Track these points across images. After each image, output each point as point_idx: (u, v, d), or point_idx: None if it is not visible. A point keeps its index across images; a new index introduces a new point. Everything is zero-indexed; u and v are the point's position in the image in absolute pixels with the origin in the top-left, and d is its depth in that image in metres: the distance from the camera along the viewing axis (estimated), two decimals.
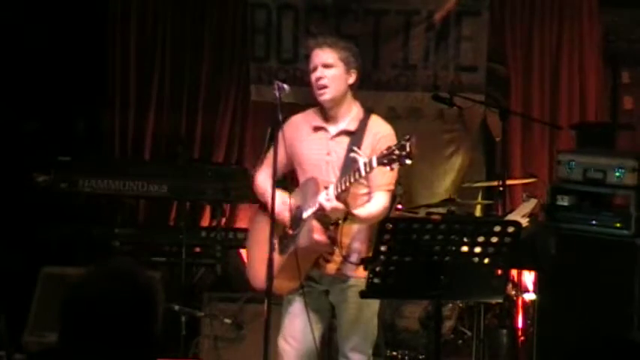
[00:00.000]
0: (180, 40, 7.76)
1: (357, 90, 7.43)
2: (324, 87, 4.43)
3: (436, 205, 6.72)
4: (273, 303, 4.34)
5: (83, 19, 7.41)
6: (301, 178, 4.55)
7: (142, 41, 7.75)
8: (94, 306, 2.44)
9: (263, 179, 4.60)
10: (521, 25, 7.54)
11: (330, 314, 4.61)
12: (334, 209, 4.23)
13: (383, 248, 3.89)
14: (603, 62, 7.48)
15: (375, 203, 4.41)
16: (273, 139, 4.46)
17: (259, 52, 7.68)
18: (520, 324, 5.96)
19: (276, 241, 4.41)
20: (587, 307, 5.33)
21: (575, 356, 2.86)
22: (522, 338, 5.99)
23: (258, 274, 4.50)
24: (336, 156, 4.44)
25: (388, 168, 4.08)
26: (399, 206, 6.32)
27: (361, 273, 4.30)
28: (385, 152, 4.09)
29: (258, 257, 4.52)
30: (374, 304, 4.55)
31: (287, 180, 4.82)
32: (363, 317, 4.51)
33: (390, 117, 7.55)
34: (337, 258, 4.40)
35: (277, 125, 4.31)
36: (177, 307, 5.94)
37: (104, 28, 7.73)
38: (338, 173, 4.39)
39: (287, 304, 4.56)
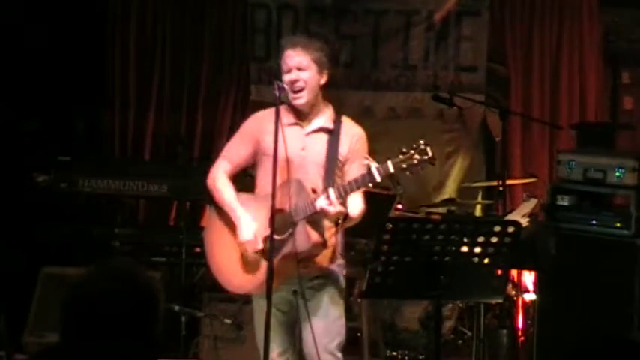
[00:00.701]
0: (180, 40, 7.76)
1: (357, 90, 7.56)
2: (300, 90, 4.40)
3: (436, 205, 6.73)
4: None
5: (83, 19, 7.41)
6: (264, 173, 4.44)
7: (141, 41, 7.76)
8: (95, 306, 2.44)
9: (224, 184, 4.51)
10: (521, 25, 7.54)
11: (296, 314, 4.50)
12: (338, 213, 4.22)
13: (383, 248, 3.89)
14: (603, 62, 7.48)
15: (357, 203, 4.38)
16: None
17: (259, 52, 7.68)
18: (520, 324, 5.95)
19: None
20: (587, 307, 5.32)
21: (575, 356, 2.86)
22: (522, 338, 5.99)
23: (234, 279, 4.44)
24: (313, 152, 4.40)
25: (408, 172, 4.08)
26: (399, 206, 6.32)
27: (328, 268, 4.34)
28: (402, 157, 4.08)
29: (230, 261, 4.45)
30: (341, 301, 4.49)
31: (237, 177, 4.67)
32: (332, 315, 4.45)
33: (390, 117, 7.62)
34: (317, 258, 4.39)
35: (277, 125, 4.29)
36: (177, 307, 5.94)
37: (104, 28, 7.74)
38: (319, 171, 4.37)
39: (258, 305, 4.47)
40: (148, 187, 6.77)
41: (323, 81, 4.47)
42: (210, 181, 4.58)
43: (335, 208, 4.18)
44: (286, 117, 4.43)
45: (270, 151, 4.30)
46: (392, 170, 4.10)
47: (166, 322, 6.06)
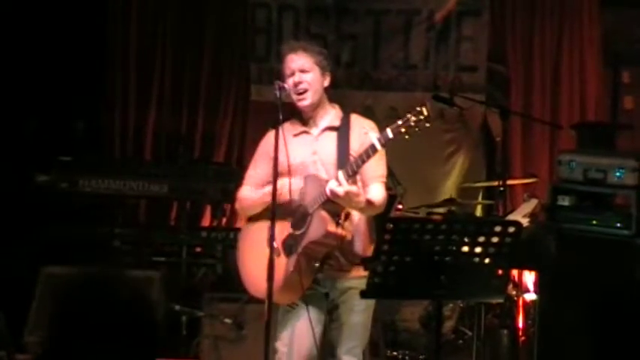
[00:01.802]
0: (180, 39, 7.76)
1: (358, 89, 7.57)
2: (305, 91, 4.40)
3: (437, 205, 6.72)
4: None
5: (83, 18, 7.41)
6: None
7: (142, 41, 7.76)
8: (87, 313, 2.40)
9: (248, 192, 4.52)
10: (522, 25, 7.54)
11: (326, 317, 4.48)
12: (348, 193, 4.16)
13: (384, 248, 3.88)
14: (603, 62, 7.48)
15: (376, 193, 4.35)
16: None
17: (260, 51, 7.69)
18: (521, 324, 5.95)
19: (279, 246, 4.33)
20: (587, 307, 5.32)
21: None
22: (523, 338, 5.99)
23: (258, 283, 4.40)
24: (324, 153, 4.40)
25: (407, 136, 4.07)
26: (400, 206, 6.31)
27: (362, 272, 4.28)
28: (400, 122, 4.10)
29: (257, 266, 4.41)
30: (371, 308, 4.49)
31: None
32: (360, 321, 4.45)
33: (391, 117, 7.61)
34: (340, 259, 4.37)
35: (277, 125, 4.29)
36: (177, 307, 5.95)
37: (104, 27, 7.74)
38: (330, 169, 4.35)
39: (282, 321, 4.47)
40: (149, 187, 6.77)
41: (326, 83, 4.48)
42: (237, 204, 4.61)
43: (343, 188, 4.15)
44: (294, 128, 4.47)
45: (284, 163, 4.33)
46: (391, 136, 4.11)
47: (167, 322, 6.07)
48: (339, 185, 4.15)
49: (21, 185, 6.69)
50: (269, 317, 4.17)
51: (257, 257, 4.42)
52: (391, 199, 6.10)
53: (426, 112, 4.11)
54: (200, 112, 7.75)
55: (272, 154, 4.37)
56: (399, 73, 7.61)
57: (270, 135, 4.49)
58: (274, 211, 4.18)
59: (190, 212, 7.11)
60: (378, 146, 4.13)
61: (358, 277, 4.32)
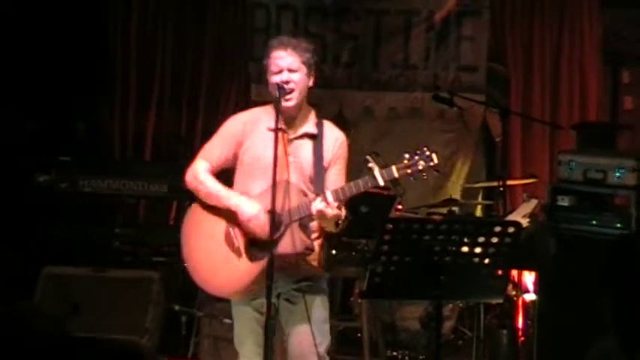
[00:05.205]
0: (180, 40, 7.77)
1: (357, 90, 7.57)
2: (292, 91, 4.32)
3: (436, 206, 6.72)
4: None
5: (84, 18, 7.42)
6: (246, 176, 4.37)
7: (142, 41, 7.77)
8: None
9: (207, 177, 4.37)
10: (522, 25, 7.53)
11: (280, 318, 4.41)
12: (334, 216, 4.17)
13: (383, 248, 3.89)
14: (603, 62, 7.47)
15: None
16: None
17: (259, 52, 7.67)
18: (520, 324, 5.95)
19: (241, 247, 4.29)
20: (587, 307, 5.32)
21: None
22: (522, 338, 5.99)
23: (213, 280, 4.36)
24: (298, 157, 4.34)
25: (412, 178, 4.09)
26: (400, 206, 6.31)
27: (314, 265, 4.27)
28: (407, 162, 4.09)
29: (211, 262, 4.35)
30: (327, 307, 4.43)
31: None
32: (319, 319, 4.38)
33: (391, 117, 7.63)
34: (303, 262, 4.34)
35: (277, 125, 4.27)
36: (176, 307, 5.95)
37: (105, 27, 7.75)
38: (303, 176, 4.31)
39: (238, 311, 4.42)
40: (148, 187, 6.77)
41: (311, 83, 4.41)
42: (190, 178, 4.43)
43: (332, 211, 4.14)
44: (270, 121, 4.31)
45: (250, 158, 4.31)
46: (396, 175, 4.10)
47: (166, 322, 6.08)
48: (327, 206, 4.14)
49: (21, 185, 6.69)
50: (268, 317, 4.16)
51: (209, 251, 4.36)
52: (391, 199, 6.11)
53: (435, 161, 4.08)
54: (200, 112, 7.75)
55: (240, 140, 4.36)
56: (398, 73, 7.60)
57: (240, 119, 4.47)
58: (273, 212, 4.16)
59: None
60: (381, 182, 4.12)
61: (311, 272, 4.32)
